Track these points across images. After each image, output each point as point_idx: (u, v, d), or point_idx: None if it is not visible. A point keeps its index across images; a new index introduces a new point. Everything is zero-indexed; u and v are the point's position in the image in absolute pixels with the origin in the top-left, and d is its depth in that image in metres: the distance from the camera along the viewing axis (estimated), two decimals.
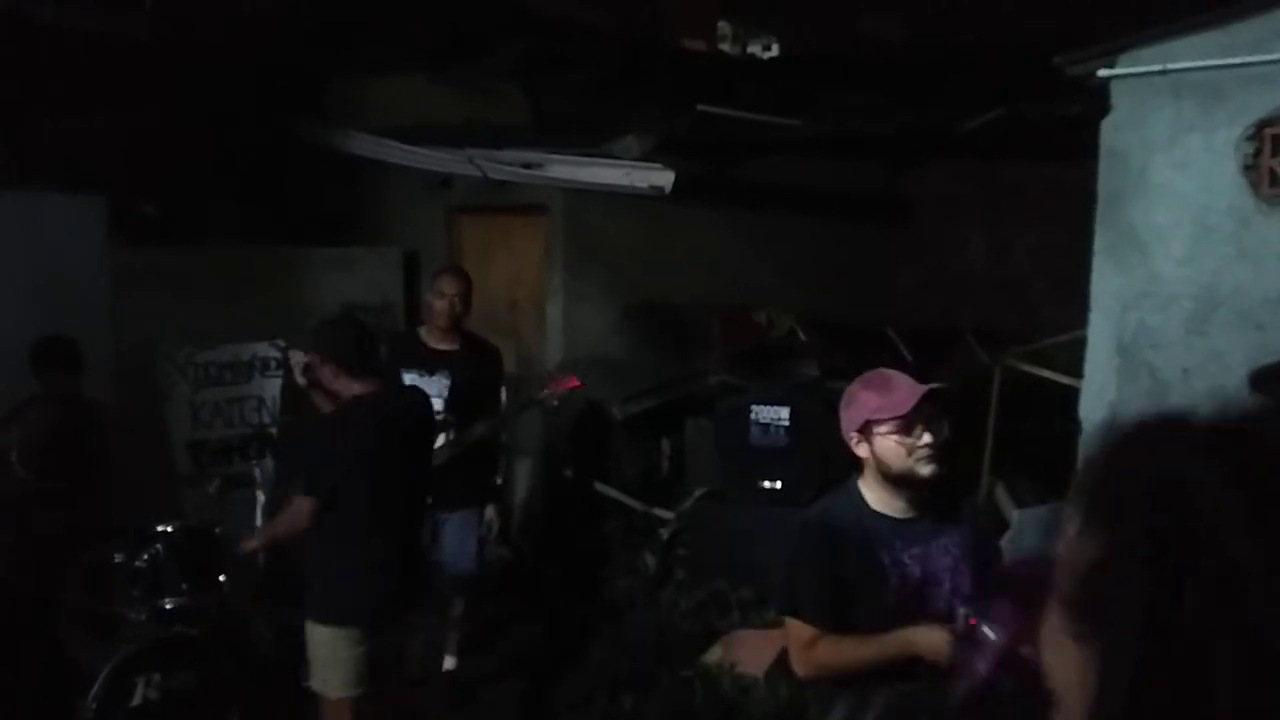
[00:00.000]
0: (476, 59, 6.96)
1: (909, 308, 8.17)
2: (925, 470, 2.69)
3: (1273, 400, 2.76)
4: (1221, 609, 0.79)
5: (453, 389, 5.10)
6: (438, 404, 5.14)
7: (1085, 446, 4.66)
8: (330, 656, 3.86)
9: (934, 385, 2.69)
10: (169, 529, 4.31)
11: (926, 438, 2.67)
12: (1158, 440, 0.88)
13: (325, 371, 3.90)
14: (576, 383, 3.86)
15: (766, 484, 5.77)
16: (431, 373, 5.14)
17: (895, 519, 2.75)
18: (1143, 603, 0.80)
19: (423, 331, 5.32)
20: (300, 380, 4.09)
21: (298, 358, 4.15)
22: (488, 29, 6.77)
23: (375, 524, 3.88)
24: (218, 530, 4.46)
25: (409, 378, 5.14)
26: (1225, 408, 0.87)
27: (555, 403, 5.39)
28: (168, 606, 4.23)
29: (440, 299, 5.18)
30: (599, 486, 6.57)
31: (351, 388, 3.87)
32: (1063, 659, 0.86)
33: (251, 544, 4.16)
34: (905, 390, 2.69)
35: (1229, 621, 0.78)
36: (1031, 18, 5.97)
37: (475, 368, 5.16)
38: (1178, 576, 0.80)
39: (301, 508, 3.82)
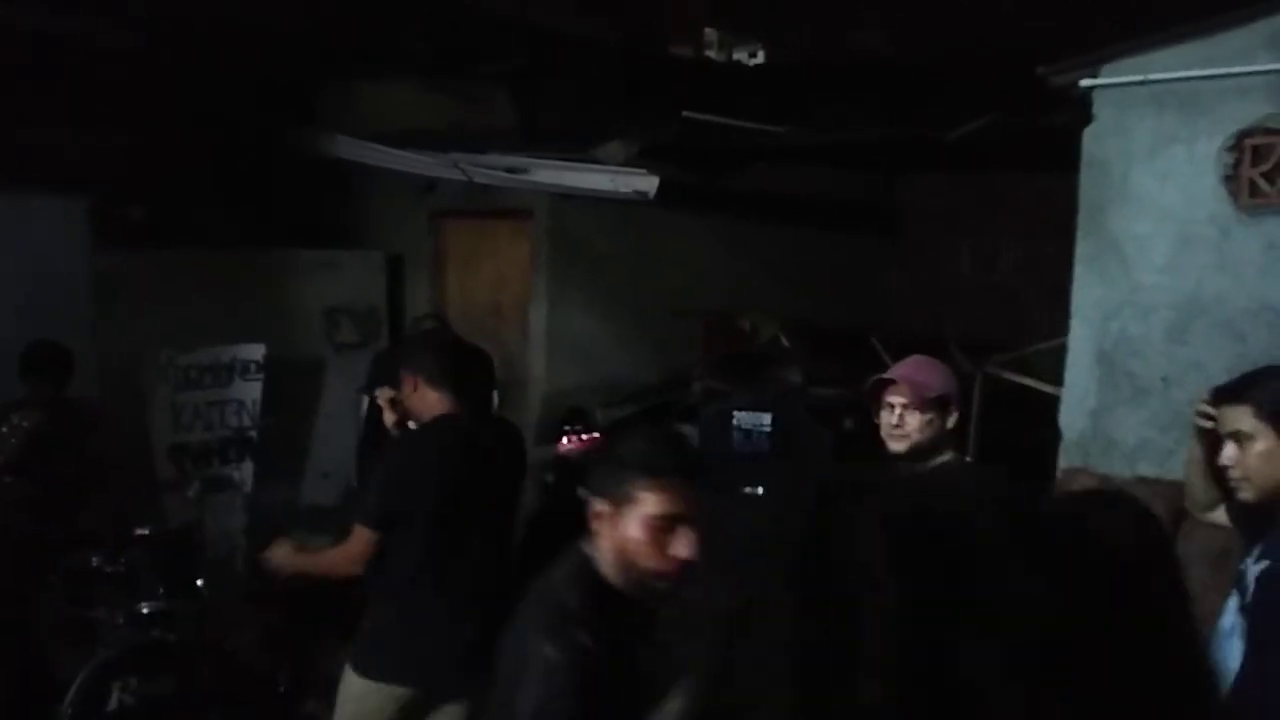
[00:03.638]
0: (466, 66, 6.94)
1: (896, 316, 8.17)
2: (893, 446, 3.07)
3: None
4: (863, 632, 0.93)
5: None
6: None
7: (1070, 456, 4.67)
8: (356, 714, 3.28)
9: (888, 377, 3.08)
10: (147, 532, 4.29)
11: (885, 418, 3.09)
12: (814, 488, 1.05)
13: (405, 385, 3.42)
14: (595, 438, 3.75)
15: (748, 490, 5.76)
16: None
17: None
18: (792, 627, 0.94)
19: None
20: (390, 418, 3.69)
21: (385, 396, 3.76)
22: (481, 39, 6.75)
23: (447, 568, 3.31)
24: (196, 534, 4.44)
25: None
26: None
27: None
28: (145, 611, 4.21)
29: None
30: (581, 492, 6.55)
31: (434, 405, 3.39)
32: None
33: (284, 560, 3.50)
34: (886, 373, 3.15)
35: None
36: (1023, 25, 5.97)
37: None
38: (829, 602, 0.93)
39: (360, 539, 3.27)
